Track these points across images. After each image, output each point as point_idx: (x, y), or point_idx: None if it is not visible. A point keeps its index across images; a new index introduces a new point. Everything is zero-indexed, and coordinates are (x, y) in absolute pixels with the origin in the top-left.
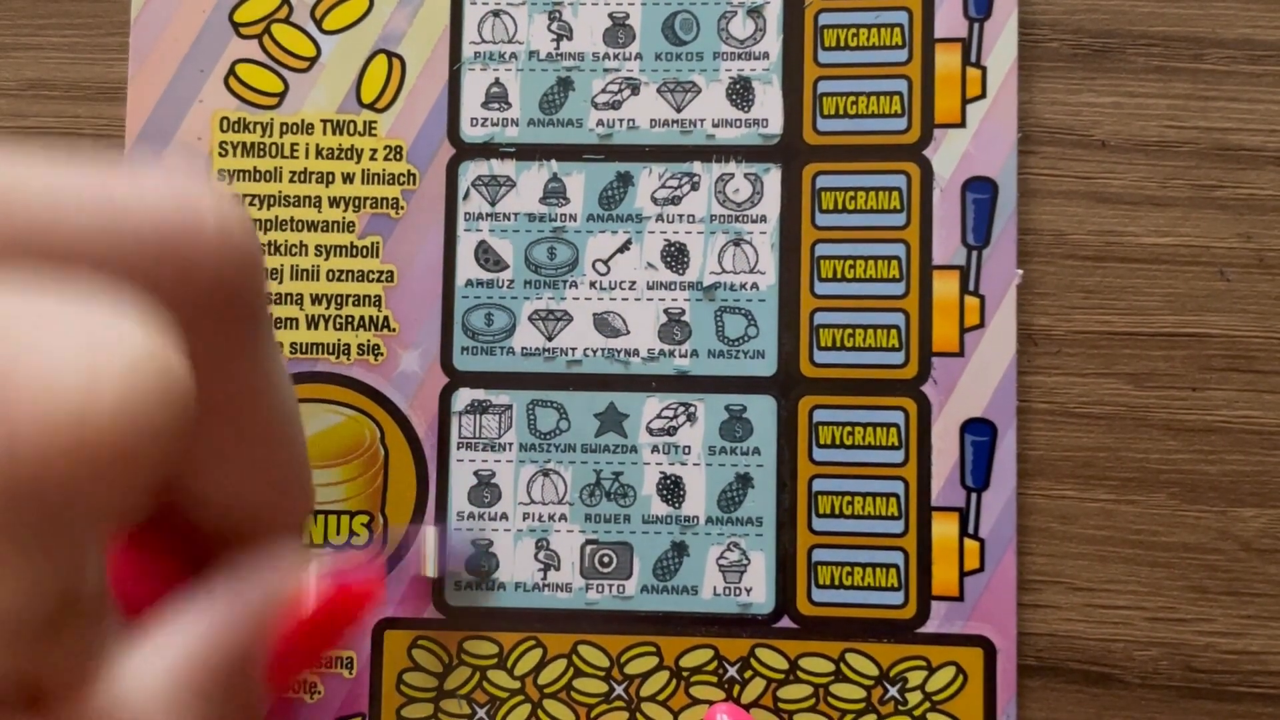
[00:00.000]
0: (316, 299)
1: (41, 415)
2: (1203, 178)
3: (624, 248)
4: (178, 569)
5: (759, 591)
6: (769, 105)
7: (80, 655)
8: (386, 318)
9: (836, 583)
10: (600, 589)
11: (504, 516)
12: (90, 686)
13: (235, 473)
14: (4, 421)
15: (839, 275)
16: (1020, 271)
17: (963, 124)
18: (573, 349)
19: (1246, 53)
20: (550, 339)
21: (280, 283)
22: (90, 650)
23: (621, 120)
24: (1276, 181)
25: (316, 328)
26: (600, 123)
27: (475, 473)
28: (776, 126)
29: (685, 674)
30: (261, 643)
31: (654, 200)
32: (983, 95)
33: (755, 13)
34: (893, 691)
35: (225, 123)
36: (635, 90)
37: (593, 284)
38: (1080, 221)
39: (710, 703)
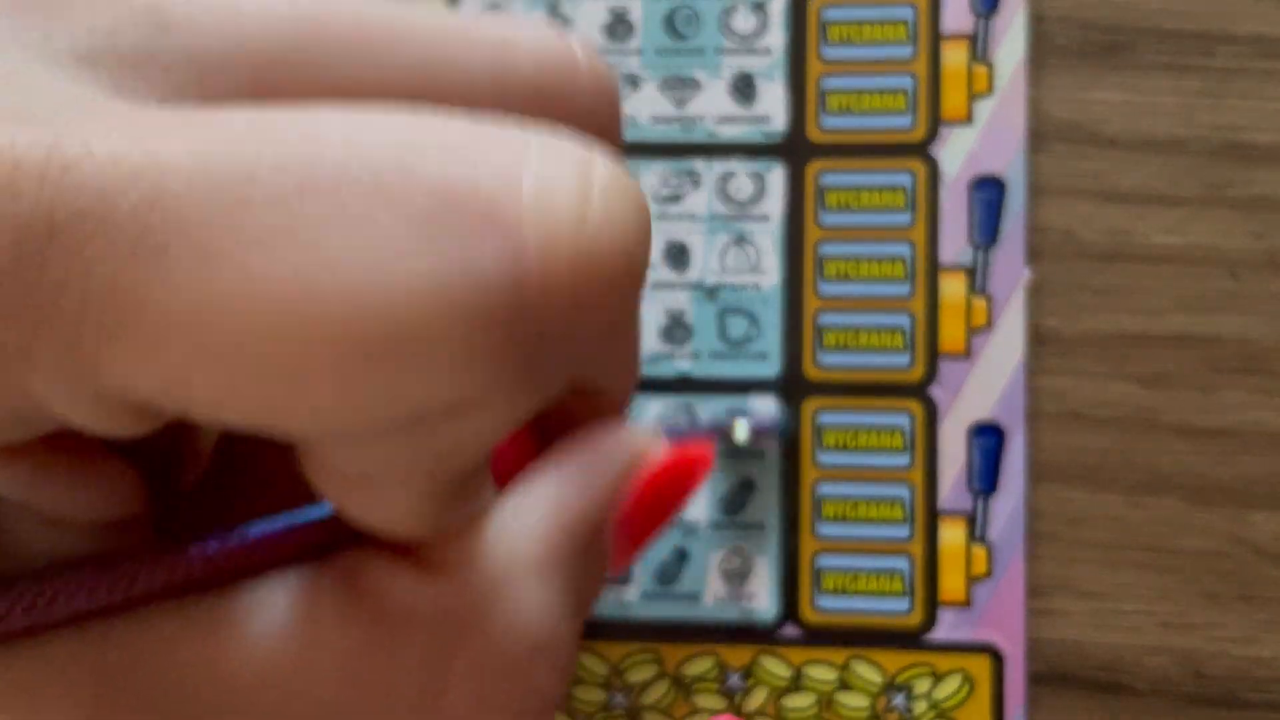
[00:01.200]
0: None
1: (547, 228)
2: (1214, 176)
3: None
4: (528, 439)
5: (762, 598)
6: (772, 102)
7: (472, 515)
8: None
9: (841, 589)
10: (600, 595)
11: None
12: (470, 548)
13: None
14: (510, 233)
15: (843, 275)
16: (1029, 271)
17: (970, 121)
18: None
19: (1258, 49)
20: None
21: None
22: (481, 510)
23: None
24: None
25: None
26: None
27: None
28: (780, 123)
29: (687, 682)
30: (613, 509)
31: (654, 198)
32: (991, 92)
33: (758, 7)
34: (899, 700)
35: None
36: (635, 86)
37: None
38: (1089, 220)
39: (712, 712)
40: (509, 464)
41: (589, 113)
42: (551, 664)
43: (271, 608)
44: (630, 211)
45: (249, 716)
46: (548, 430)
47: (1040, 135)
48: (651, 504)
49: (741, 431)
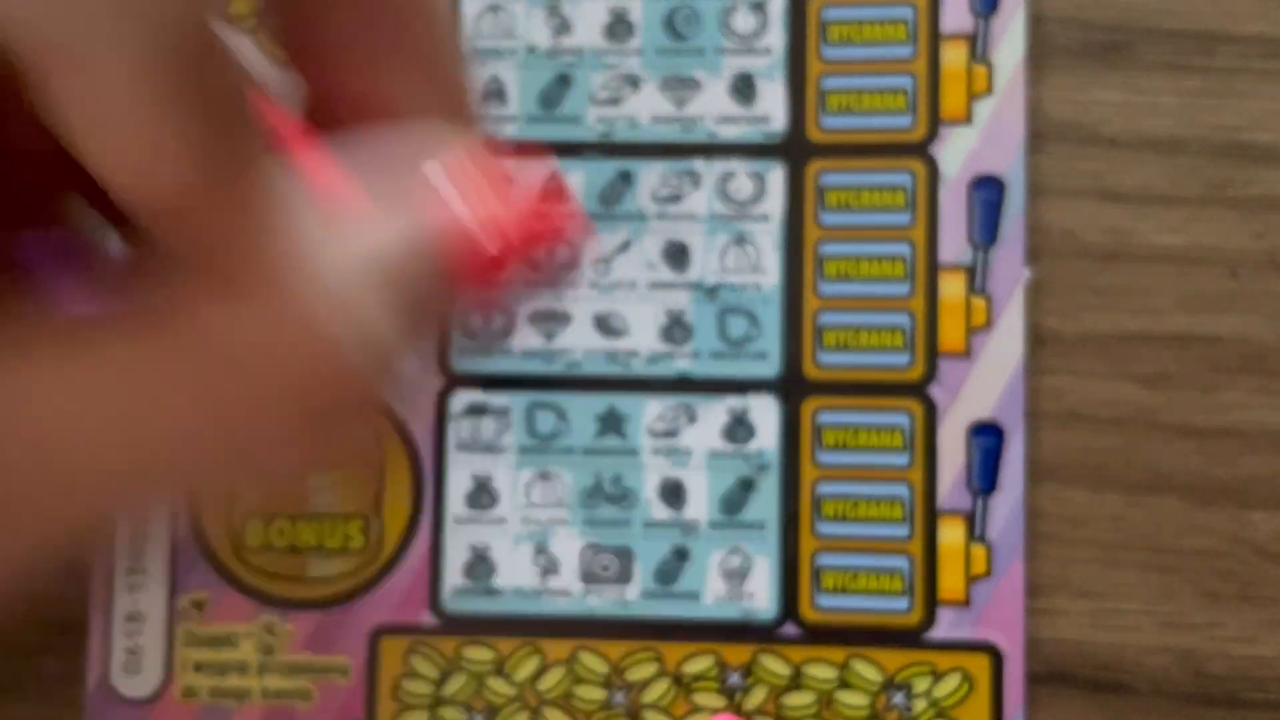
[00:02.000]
0: None
1: None
2: (1214, 176)
3: (624, 247)
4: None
5: (762, 597)
6: (772, 102)
7: (256, 218)
8: None
9: (841, 588)
10: (600, 594)
11: (502, 520)
12: (281, 262)
13: (373, 55)
14: None
15: (843, 275)
16: (1028, 271)
17: (969, 121)
18: (572, 350)
19: (1259, 49)
20: (549, 340)
21: None
22: (269, 214)
23: (621, 117)
24: None
25: None
26: (600, 119)
27: (473, 476)
28: (779, 123)
29: (687, 681)
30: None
31: (654, 199)
32: (990, 92)
33: (758, 7)
34: (898, 699)
35: None
36: (635, 86)
37: (592, 284)
38: (1090, 220)
39: (713, 711)
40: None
41: None
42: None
43: (82, 341)
44: None
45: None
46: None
47: (1041, 135)
48: (515, 226)
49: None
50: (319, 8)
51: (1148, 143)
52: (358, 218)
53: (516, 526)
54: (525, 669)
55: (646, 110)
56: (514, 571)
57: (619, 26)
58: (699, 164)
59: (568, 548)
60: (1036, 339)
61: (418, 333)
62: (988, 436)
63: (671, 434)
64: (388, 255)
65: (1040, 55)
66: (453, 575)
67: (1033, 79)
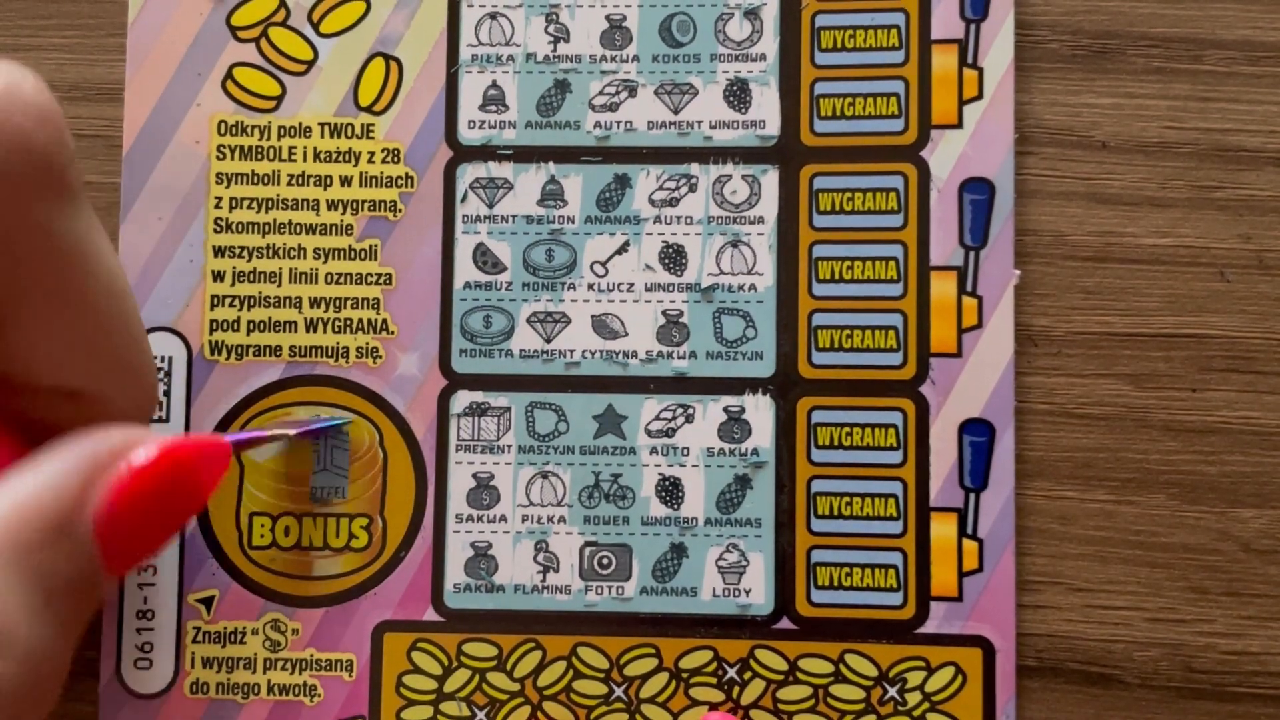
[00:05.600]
0: (315, 302)
1: None
2: (1203, 179)
3: (622, 249)
4: (21, 454)
5: (758, 593)
6: (766, 107)
7: None
8: (385, 320)
9: (835, 583)
10: (599, 591)
11: (503, 519)
12: None
13: (56, 347)
14: None
15: (837, 276)
16: (1018, 272)
17: (960, 125)
18: (571, 351)
19: (1246, 54)
20: (549, 341)
21: (279, 286)
22: None
23: (619, 122)
24: (1276, 182)
25: (315, 331)
26: (598, 125)
27: (474, 475)
28: (774, 128)
29: (685, 675)
30: (85, 499)
31: (652, 202)
32: (980, 96)
33: (752, 14)
34: (892, 692)
35: (223, 126)
36: (633, 92)
37: (591, 286)
38: (1080, 222)
39: (710, 705)
40: None
41: (6, 130)
42: (5, 654)
43: None
44: (28, 82)
45: None
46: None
47: (1031, 139)
48: (144, 499)
49: (289, 430)
50: (16, 312)
51: (1137, 146)
52: None
53: (517, 524)
54: (526, 664)
55: (643, 116)
56: (514, 568)
57: (616, 34)
58: (695, 168)
59: (567, 545)
60: (1028, 339)
61: (62, 614)
62: (978, 434)
63: (669, 433)
64: (15, 521)
65: (1032, 60)
66: (454, 572)
67: (1024, 84)
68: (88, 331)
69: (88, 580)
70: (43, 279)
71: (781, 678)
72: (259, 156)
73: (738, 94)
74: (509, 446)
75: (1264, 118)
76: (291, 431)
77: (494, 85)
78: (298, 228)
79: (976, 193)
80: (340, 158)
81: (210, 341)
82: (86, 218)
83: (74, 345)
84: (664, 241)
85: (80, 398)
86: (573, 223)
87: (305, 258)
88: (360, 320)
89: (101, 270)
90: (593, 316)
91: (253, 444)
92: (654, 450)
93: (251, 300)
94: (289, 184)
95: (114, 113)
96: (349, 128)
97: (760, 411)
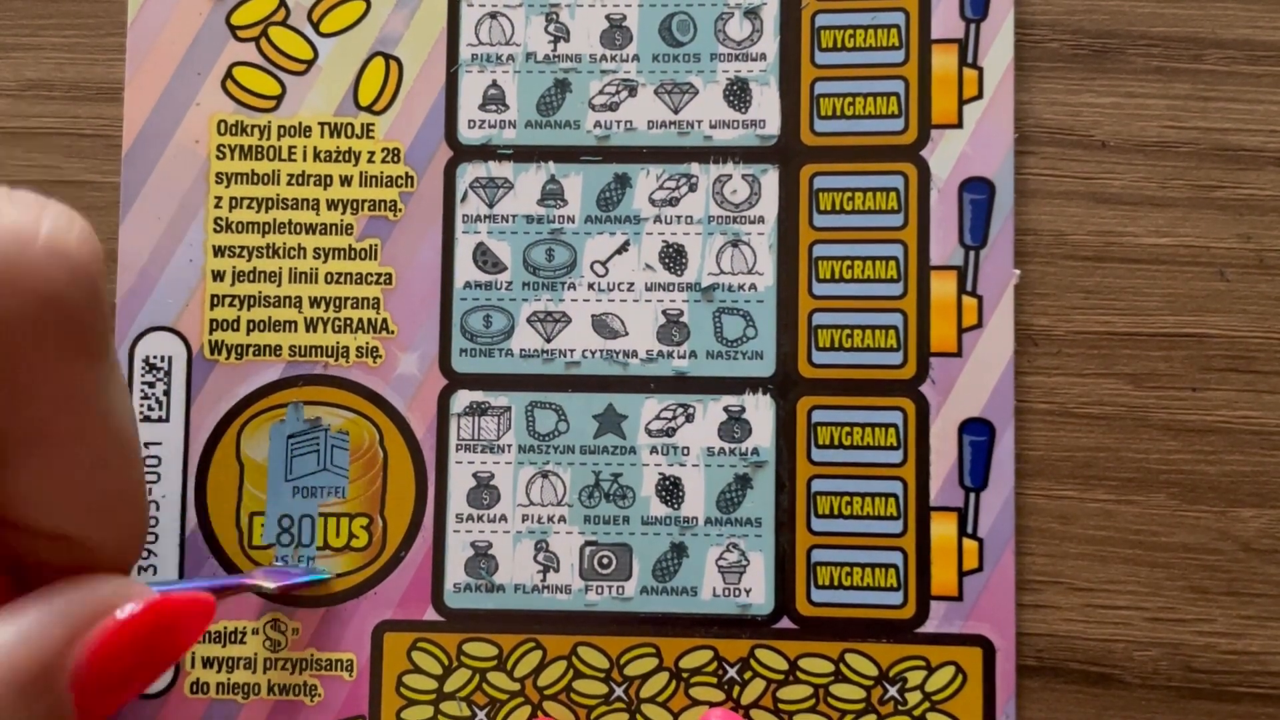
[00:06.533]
0: (315, 302)
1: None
2: (1203, 178)
3: (622, 249)
4: (2, 595)
5: (758, 592)
6: (766, 106)
7: None
8: (385, 320)
9: (835, 583)
10: (600, 590)
11: (503, 518)
12: None
13: (53, 493)
14: None
15: (837, 276)
16: (1018, 271)
17: (960, 125)
18: (571, 350)
19: (1246, 53)
20: (549, 341)
21: (279, 285)
22: None
23: (619, 122)
24: (1276, 182)
25: (315, 330)
26: (598, 124)
27: (474, 474)
28: (774, 127)
29: (685, 675)
30: (65, 653)
31: (652, 201)
32: (980, 96)
33: (752, 14)
34: (892, 691)
35: (223, 125)
36: (633, 92)
37: (591, 285)
38: (1080, 222)
39: (710, 704)
40: None
41: (41, 286)
42: None
43: None
44: (72, 235)
45: None
46: (28, 582)
47: (1031, 139)
48: (126, 652)
49: (268, 584)
50: (17, 455)
51: (1137, 146)
52: None
53: (517, 524)
54: (526, 664)
55: (643, 115)
56: (515, 568)
57: (616, 33)
58: (695, 167)
59: (567, 545)
60: (1028, 339)
61: None
62: (978, 433)
63: (669, 432)
64: (12, 660)
65: (1032, 60)
66: (455, 572)
67: (1024, 84)
68: (92, 482)
69: None
70: (56, 429)
71: (782, 677)
72: (259, 156)
73: (738, 93)
74: (509, 446)
75: (1264, 117)
76: (270, 585)
77: (494, 85)
78: (298, 227)
79: (976, 192)
80: (340, 157)
81: (210, 341)
82: (105, 370)
83: (76, 494)
84: (664, 241)
85: (71, 540)
86: (573, 222)
87: (305, 257)
88: (360, 320)
89: (114, 424)
90: (593, 316)
91: (231, 592)
92: (654, 450)
93: (251, 300)
94: (289, 184)
95: (114, 112)
96: (349, 127)
97: (760, 411)
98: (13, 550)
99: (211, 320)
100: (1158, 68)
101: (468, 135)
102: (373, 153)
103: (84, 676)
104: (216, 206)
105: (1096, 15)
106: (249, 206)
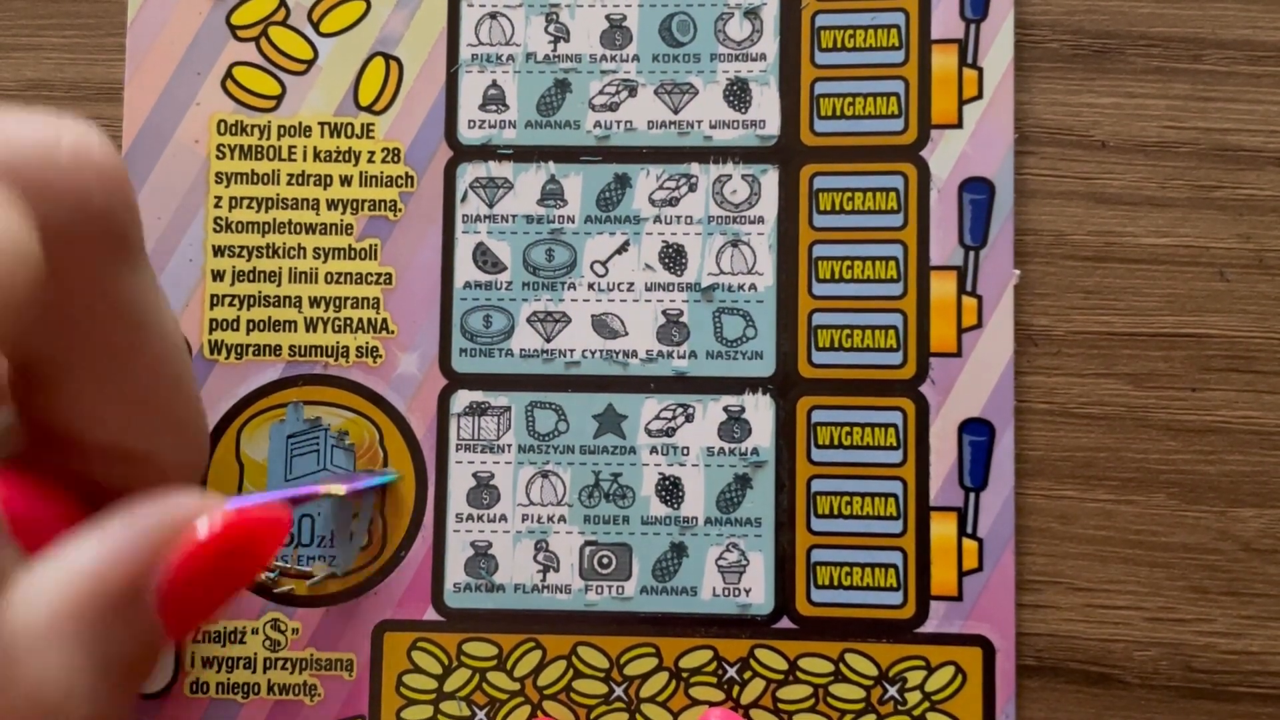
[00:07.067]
0: (315, 301)
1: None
2: (1202, 178)
3: (622, 249)
4: (78, 516)
5: (758, 592)
6: (766, 106)
7: None
8: (385, 320)
9: (835, 583)
10: (599, 590)
11: (503, 518)
12: None
13: (114, 408)
14: None
15: (837, 276)
16: (1018, 271)
17: (960, 125)
18: (571, 350)
19: (1246, 53)
20: (549, 341)
21: (279, 285)
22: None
23: (619, 122)
24: (1276, 182)
25: (315, 330)
26: (598, 124)
27: (474, 474)
28: (774, 128)
29: (685, 675)
30: (150, 571)
31: (652, 201)
32: (979, 96)
33: (752, 14)
34: (892, 691)
35: (223, 125)
36: (633, 92)
37: (591, 285)
38: (1080, 222)
39: (710, 704)
40: (47, 534)
41: (73, 191)
42: None
43: None
44: (94, 141)
45: None
46: (100, 505)
47: (1032, 139)
48: (207, 569)
49: (339, 488)
50: (75, 371)
51: (1137, 146)
52: (56, 553)
53: (517, 524)
54: (526, 664)
55: (643, 115)
56: (515, 568)
57: (616, 33)
58: (695, 168)
59: (567, 544)
60: (1029, 339)
61: (121, 682)
62: (978, 433)
63: (669, 432)
64: (82, 594)
65: (1032, 61)
66: (455, 572)
67: (1025, 84)
68: (144, 392)
69: (148, 649)
70: (101, 339)
71: (781, 677)
72: (259, 156)
73: (738, 94)
74: (509, 446)
75: (1264, 117)
76: (343, 489)
77: (494, 85)
78: (297, 227)
79: (976, 192)
80: (340, 157)
81: (210, 341)
82: (147, 278)
83: (130, 405)
84: (664, 241)
85: (134, 457)
86: (573, 222)
87: (305, 257)
88: (360, 320)
89: (159, 331)
90: (593, 316)
91: (306, 500)
92: (654, 450)
93: (251, 300)
94: (289, 183)
95: (114, 112)
96: (349, 127)
97: (760, 411)
98: (83, 473)
99: (211, 320)
100: (1157, 68)
101: (468, 135)
102: (373, 153)
103: (168, 594)
104: (216, 206)
105: (1096, 15)
106: (249, 206)
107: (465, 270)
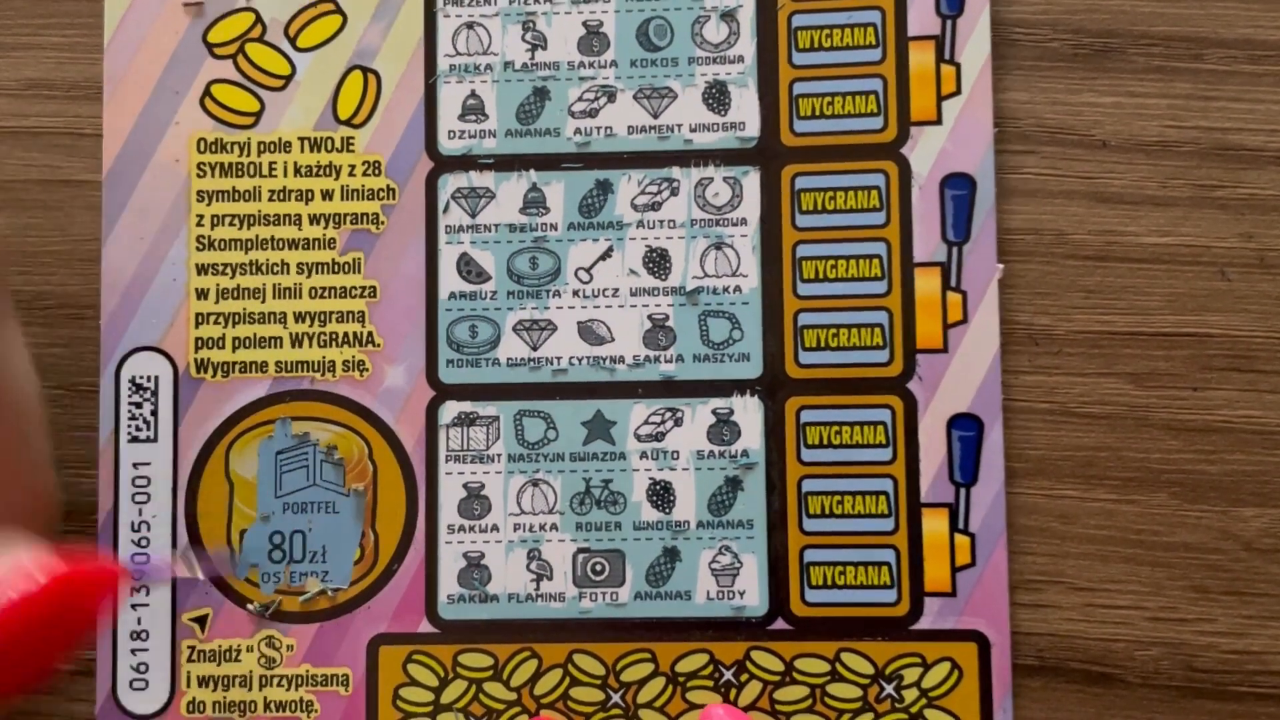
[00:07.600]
0: (299, 317)
1: None
2: (1203, 178)
3: (606, 255)
4: None
5: (752, 594)
6: (745, 108)
7: None
8: (370, 333)
9: (829, 583)
10: (593, 597)
11: (494, 528)
12: None
13: None
14: None
15: (821, 275)
16: (1001, 266)
17: (939, 121)
18: (558, 358)
19: (1247, 53)
20: (535, 349)
21: (263, 301)
22: None
23: (599, 128)
24: (1277, 181)
25: (300, 346)
26: (578, 131)
27: (465, 485)
28: (754, 129)
29: (681, 679)
30: None
31: (634, 207)
32: (958, 92)
33: (729, 17)
34: (889, 689)
35: (202, 144)
36: (612, 98)
37: (576, 292)
38: (1081, 221)
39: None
40: None
41: None
42: None
43: None
44: None
45: None
46: None
47: (1033, 138)
48: (30, 629)
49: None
50: None
51: (1137, 145)
52: None
53: (509, 533)
54: (522, 673)
55: (623, 121)
56: (508, 578)
57: (593, 39)
58: (676, 171)
59: (560, 552)
60: (1028, 338)
61: None
62: (967, 429)
63: (658, 437)
64: None
65: (1031, 60)
66: (448, 583)
67: (1024, 83)
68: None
69: None
70: None
71: (778, 678)
72: (239, 173)
73: (717, 96)
74: (499, 455)
75: (1265, 117)
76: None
77: (473, 95)
78: (280, 243)
79: (958, 188)
80: (321, 172)
81: (196, 359)
82: (9, 337)
83: None
84: (647, 246)
85: None
86: (556, 230)
87: (289, 273)
88: (346, 334)
89: (12, 390)
90: (579, 323)
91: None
92: (644, 454)
93: (236, 317)
94: (270, 199)
95: None
96: (329, 141)
97: (749, 413)
98: None
99: (197, 339)
100: (1158, 67)
101: (448, 146)
102: (353, 166)
103: None
104: (198, 224)
105: (1097, 15)
106: (231, 224)
107: (450, 281)
